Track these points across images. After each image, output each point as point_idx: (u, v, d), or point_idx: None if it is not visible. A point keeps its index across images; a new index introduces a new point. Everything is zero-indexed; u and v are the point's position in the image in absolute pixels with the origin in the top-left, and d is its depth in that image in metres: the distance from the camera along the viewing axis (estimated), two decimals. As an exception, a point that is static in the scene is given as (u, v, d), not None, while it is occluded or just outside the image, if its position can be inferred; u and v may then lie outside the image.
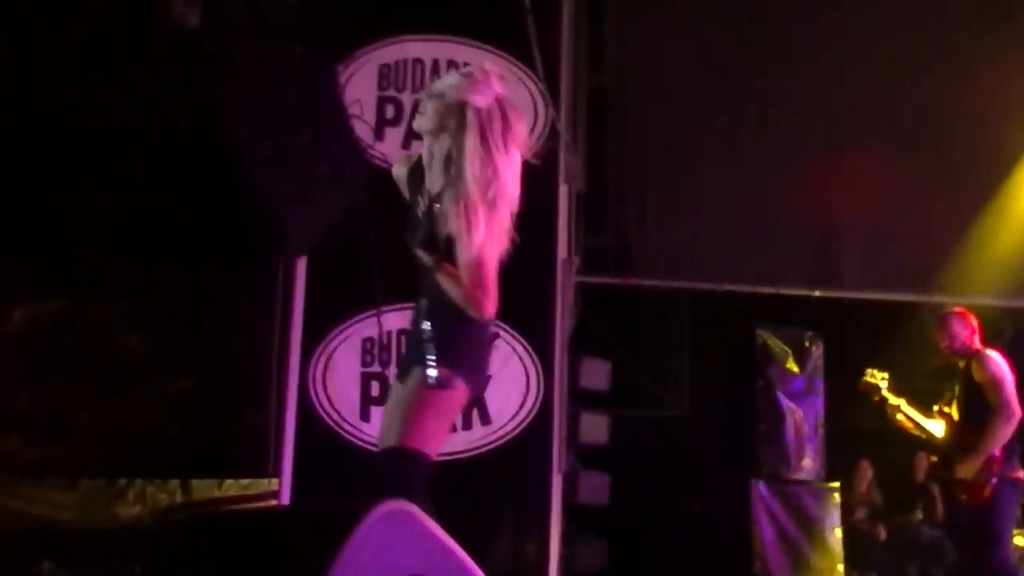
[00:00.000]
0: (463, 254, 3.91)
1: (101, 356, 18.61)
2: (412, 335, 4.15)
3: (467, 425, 7.64)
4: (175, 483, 16.73)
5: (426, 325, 4.03)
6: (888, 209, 9.17)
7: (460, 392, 3.93)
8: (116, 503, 16.58)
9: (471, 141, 3.88)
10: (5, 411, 18.23)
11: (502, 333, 7.80)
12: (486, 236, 3.93)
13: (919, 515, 10.30)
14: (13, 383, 18.27)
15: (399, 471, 3.86)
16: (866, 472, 10.35)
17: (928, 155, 9.15)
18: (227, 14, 7.37)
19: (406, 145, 7.99)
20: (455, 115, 3.91)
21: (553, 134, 8.22)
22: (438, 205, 3.97)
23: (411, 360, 4.02)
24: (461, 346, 3.97)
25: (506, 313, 7.87)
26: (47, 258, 18.50)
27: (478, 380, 4.06)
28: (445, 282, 3.97)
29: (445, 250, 3.98)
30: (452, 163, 3.93)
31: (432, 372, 3.87)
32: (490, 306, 3.90)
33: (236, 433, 17.54)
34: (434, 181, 4.02)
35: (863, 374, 8.11)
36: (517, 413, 7.74)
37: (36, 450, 18.31)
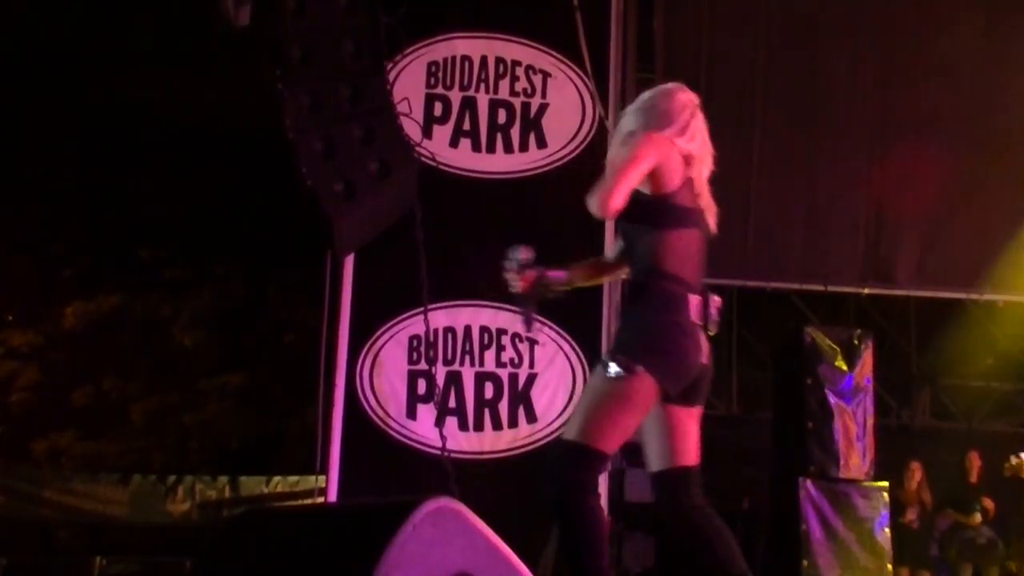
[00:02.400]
0: (615, 157, 3.86)
1: (153, 354, 18.88)
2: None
3: (513, 423, 7.65)
4: (224, 480, 17.00)
5: (619, 318, 4.02)
6: (939, 206, 9.09)
7: (644, 381, 3.72)
8: (166, 499, 16.84)
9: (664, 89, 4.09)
10: (59, 408, 18.53)
11: (548, 330, 7.81)
12: (639, 149, 3.83)
13: (977, 517, 10.19)
14: (67, 381, 18.58)
15: (563, 467, 3.76)
16: (916, 472, 10.26)
17: (981, 151, 9.06)
18: (278, 13, 7.42)
19: (454, 143, 8.01)
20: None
21: (601, 131, 8.20)
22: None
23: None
24: (644, 335, 3.80)
25: (552, 312, 7.92)
26: (100, 257, 18.76)
27: (671, 370, 3.79)
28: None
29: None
30: (644, 116, 4.04)
31: (611, 364, 3.74)
32: (607, 200, 3.69)
33: (285, 430, 17.73)
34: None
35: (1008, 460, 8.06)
36: (564, 411, 7.73)
37: (89, 446, 18.60)
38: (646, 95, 4.15)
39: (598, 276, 4.25)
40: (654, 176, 3.86)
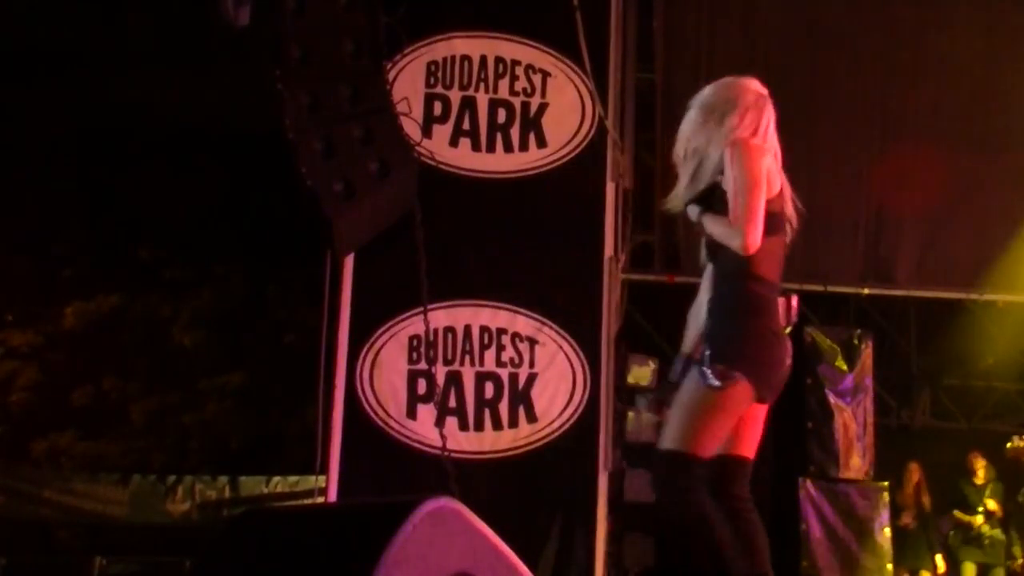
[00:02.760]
0: (729, 186, 3.90)
1: (153, 354, 18.87)
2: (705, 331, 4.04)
3: (513, 423, 7.65)
4: (224, 480, 17.00)
5: (707, 323, 3.97)
6: (939, 206, 9.09)
7: (742, 388, 3.78)
8: (166, 499, 16.84)
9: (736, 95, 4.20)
10: (59, 408, 18.52)
11: (548, 330, 7.81)
12: (751, 167, 3.90)
13: (980, 518, 10.20)
14: (66, 381, 18.57)
15: (675, 475, 3.81)
16: (914, 474, 10.27)
17: (981, 151, 9.05)
18: (277, 13, 7.42)
19: (454, 143, 8.01)
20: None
21: (601, 131, 8.21)
22: (704, 158, 4.05)
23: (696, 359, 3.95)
24: (740, 340, 3.84)
25: (552, 311, 7.92)
26: (100, 257, 18.76)
27: (766, 375, 3.86)
28: (709, 224, 3.95)
29: (709, 201, 3.99)
30: (715, 113, 4.12)
31: (708, 372, 3.77)
32: (753, 234, 3.79)
33: (285, 430, 17.72)
34: (698, 138, 4.10)
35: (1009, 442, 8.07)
36: (564, 411, 7.74)
37: (89, 446, 18.59)
38: (726, 91, 4.27)
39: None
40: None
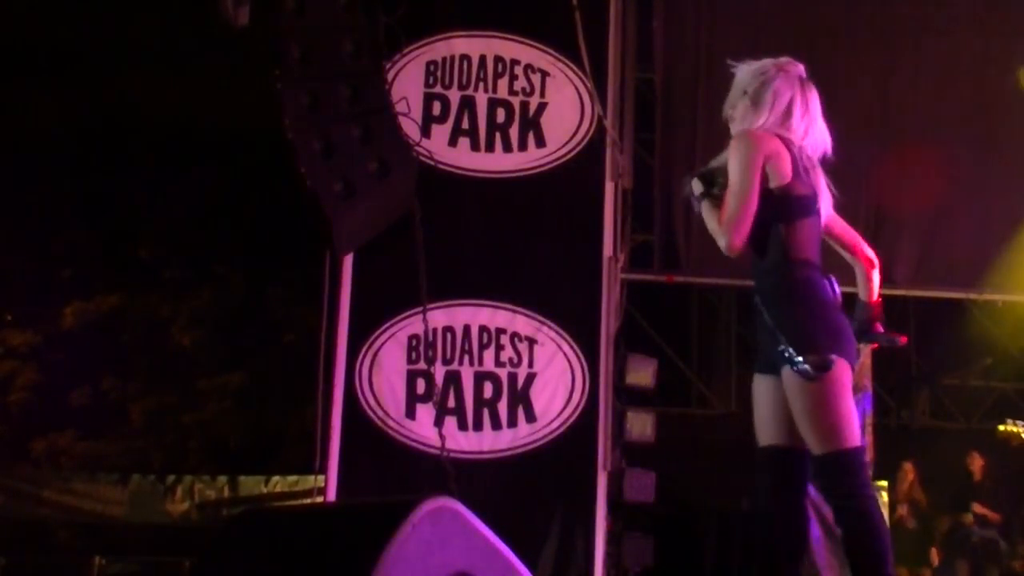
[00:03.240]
0: (730, 180, 3.93)
1: (152, 354, 18.85)
2: (759, 328, 4.03)
3: (512, 423, 7.65)
4: (223, 479, 17.00)
5: (767, 317, 3.94)
6: (938, 206, 9.08)
7: (840, 366, 3.79)
8: (166, 499, 16.83)
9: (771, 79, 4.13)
10: (58, 408, 18.49)
11: (548, 330, 7.81)
12: (746, 165, 3.90)
13: (970, 517, 10.21)
14: (66, 380, 18.55)
15: (843, 477, 3.82)
16: (908, 474, 10.27)
17: (979, 151, 9.05)
18: (277, 13, 7.42)
19: (453, 142, 8.01)
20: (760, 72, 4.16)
21: (600, 131, 8.21)
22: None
23: (772, 356, 3.92)
24: (813, 325, 3.85)
25: (552, 310, 7.92)
26: (99, 257, 18.73)
27: (852, 348, 3.89)
28: (706, 215, 3.99)
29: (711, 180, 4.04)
30: (746, 93, 4.11)
31: (803, 366, 3.76)
32: (737, 238, 3.82)
33: (285, 430, 17.71)
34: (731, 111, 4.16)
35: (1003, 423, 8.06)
36: (563, 411, 7.74)
37: (88, 446, 18.57)
38: (754, 71, 4.17)
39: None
40: (766, 172, 3.93)
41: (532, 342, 7.78)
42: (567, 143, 8.15)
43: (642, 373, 8.31)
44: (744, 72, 4.16)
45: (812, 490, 8.29)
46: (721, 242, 3.87)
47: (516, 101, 8.12)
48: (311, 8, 7.39)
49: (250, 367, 18.38)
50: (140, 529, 16.52)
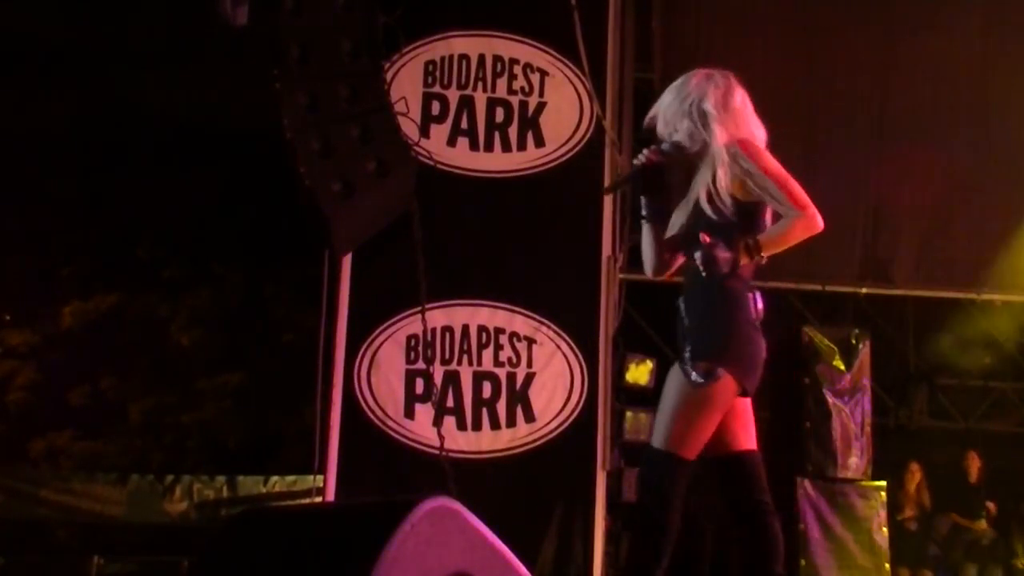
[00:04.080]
0: (762, 177, 3.87)
1: (151, 354, 18.85)
2: (680, 334, 4.01)
3: (511, 423, 7.65)
4: (222, 479, 16.99)
5: (685, 321, 3.94)
6: (937, 205, 9.09)
7: (725, 383, 3.79)
8: (164, 499, 16.83)
9: (700, 89, 4.05)
10: (57, 408, 18.49)
11: (546, 330, 7.81)
12: (768, 159, 3.92)
13: (983, 523, 10.20)
14: (64, 380, 18.55)
15: (655, 474, 3.83)
16: (916, 474, 10.26)
17: (978, 151, 9.05)
18: (276, 13, 7.42)
19: (452, 142, 8.01)
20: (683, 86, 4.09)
21: (599, 130, 8.21)
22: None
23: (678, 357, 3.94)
24: (721, 336, 3.85)
25: (550, 310, 7.92)
26: (98, 256, 18.73)
27: (749, 368, 3.88)
28: (773, 243, 3.86)
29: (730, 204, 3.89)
30: (692, 113, 4.00)
31: (691, 370, 3.78)
32: (814, 218, 3.81)
33: (283, 430, 17.71)
34: (673, 132, 4.05)
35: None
36: (562, 411, 7.74)
37: (87, 446, 18.57)
38: (697, 89, 4.08)
39: (660, 244, 4.10)
40: (747, 185, 3.91)
41: (531, 342, 7.78)
42: (566, 143, 8.15)
43: (640, 373, 8.32)
44: (683, 88, 4.10)
45: (811, 490, 8.31)
46: (809, 225, 3.82)
47: (515, 101, 8.12)
48: (310, 8, 7.39)
49: (249, 367, 18.39)
50: (139, 529, 16.51)
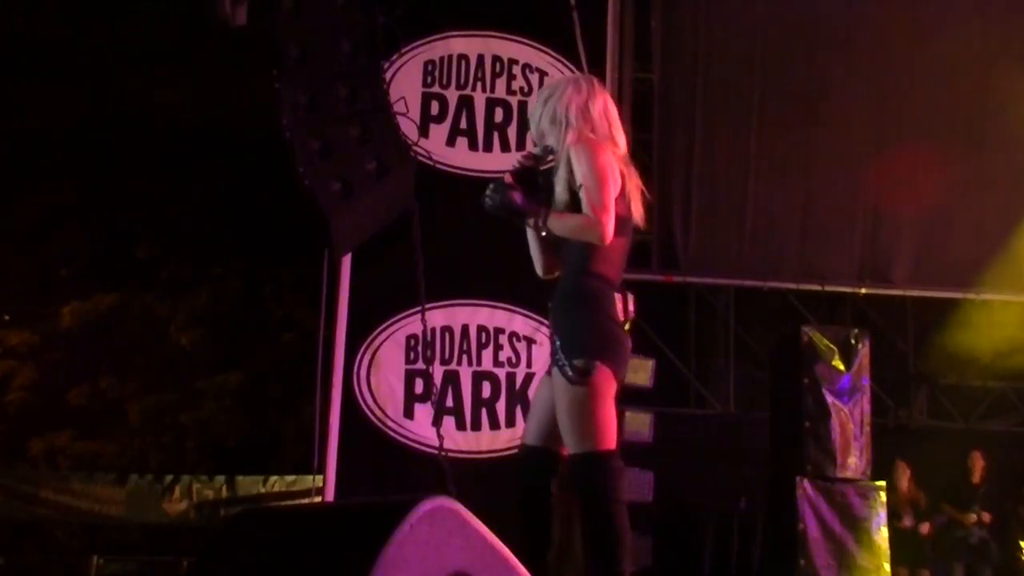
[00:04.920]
0: (579, 175, 3.94)
1: (150, 353, 18.85)
2: (550, 332, 4.10)
3: (511, 423, 7.65)
4: (221, 479, 17.01)
5: (553, 321, 4.03)
6: (936, 205, 9.10)
7: (605, 374, 3.87)
8: (163, 499, 16.84)
9: (566, 96, 4.09)
10: (56, 408, 18.49)
11: (546, 330, 7.80)
12: (598, 162, 3.94)
13: (973, 516, 10.20)
14: (63, 380, 18.55)
15: (593, 478, 3.87)
16: (904, 473, 10.26)
17: (977, 151, 9.07)
18: (275, 13, 7.42)
19: (451, 142, 8.00)
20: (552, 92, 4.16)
21: (598, 131, 8.20)
22: (551, 156, 4.09)
23: (552, 359, 3.99)
24: (588, 331, 3.93)
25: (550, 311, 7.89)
26: (97, 256, 18.73)
27: (621, 360, 3.97)
28: (556, 224, 3.97)
29: (564, 203, 4.01)
30: (553, 115, 4.09)
31: (570, 371, 3.85)
32: (609, 224, 3.86)
33: (283, 430, 17.71)
34: (544, 136, 4.14)
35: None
36: (561, 410, 7.74)
37: (86, 446, 18.57)
38: (562, 98, 4.12)
39: (545, 243, 4.18)
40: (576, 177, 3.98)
41: (531, 342, 7.78)
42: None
43: (640, 373, 8.32)
44: (547, 100, 4.15)
45: (810, 490, 8.31)
46: (593, 233, 3.88)
47: (514, 100, 8.11)
48: (309, 8, 7.39)
49: (248, 367, 18.39)
50: (138, 529, 16.53)
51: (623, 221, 3.99)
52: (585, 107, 4.07)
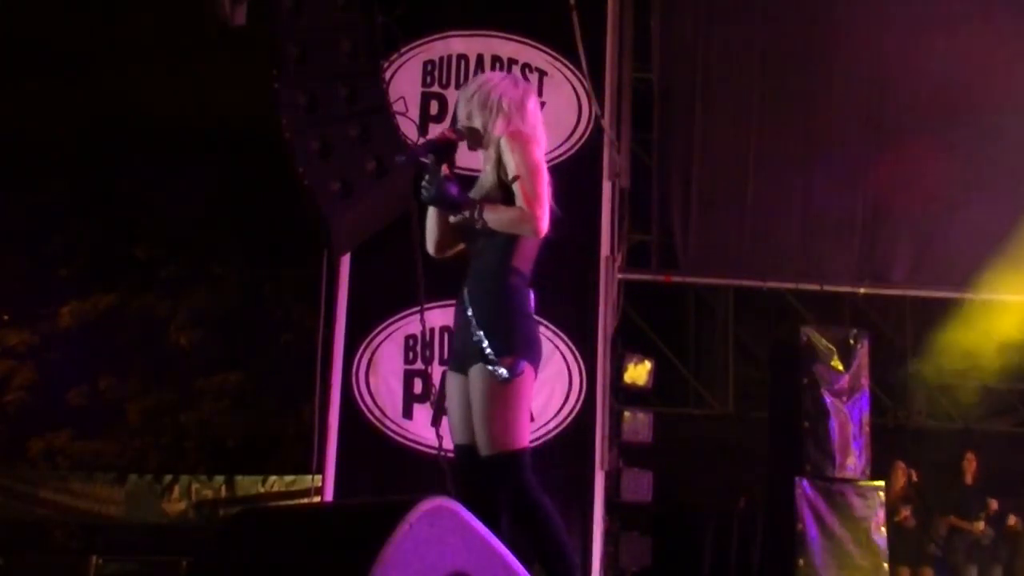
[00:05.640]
0: (513, 167, 3.98)
1: (149, 353, 18.83)
2: (460, 326, 4.10)
3: (510, 422, 7.64)
4: (220, 479, 17.00)
5: (470, 313, 4.02)
6: (935, 205, 9.10)
7: (528, 374, 3.90)
8: (163, 499, 16.83)
9: (501, 86, 4.14)
10: (55, 407, 18.47)
11: (545, 330, 7.80)
12: (535, 152, 3.99)
13: (981, 524, 10.19)
14: (63, 380, 18.53)
15: (511, 476, 3.88)
16: (901, 472, 10.24)
17: (977, 151, 9.06)
18: (275, 13, 7.42)
19: (450, 142, 8.00)
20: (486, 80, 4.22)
21: (597, 130, 8.20)
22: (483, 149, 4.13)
23: (466, 354, 3.97)
24: (516, 331, 3.95)
25: (548, 310, 7.91)
26: (96, 256, 18.72)
27: (537, 357, 3.98)
28: (492, 217, 4.00)
29: (491, 192, 4.06)
30: (486, 99, 4.12)
31: (498, 368, 3.84)
32: (544, 217, 3.92)
33: (282, 430, 17.70)
34: (471, 117, 4.18)
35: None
36: (560, 411, 7.74)
37: (85, 446, 18.56)
38: (498, 87, 4.16)
39: (445, 225, 4.24)
40: (507, 170, 4.02)
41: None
42: (564, 143, 8.14)
43: (639, 373, 8.32)
44: (481, 85, 4.19)
45: (809, 490, 8.31)
46: (528, 226, 3.93)
47: (513, 101, 8.10)
48: (308, 8, 7.39)
49: (247, 367, 18.37)
50: (137, 529, 16.51)
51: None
52: (520, 102, 4.11)
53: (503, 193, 4.00)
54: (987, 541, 10.22)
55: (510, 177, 3.97)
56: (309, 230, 7.77)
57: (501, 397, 3.85)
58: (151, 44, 16.50)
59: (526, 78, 8.17)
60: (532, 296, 4.06)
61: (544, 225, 3.92)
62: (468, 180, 4.17)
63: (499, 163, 4.03)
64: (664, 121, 9.17)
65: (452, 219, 4.13)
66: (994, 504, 10.26)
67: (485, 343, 3.90)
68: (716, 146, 9.20)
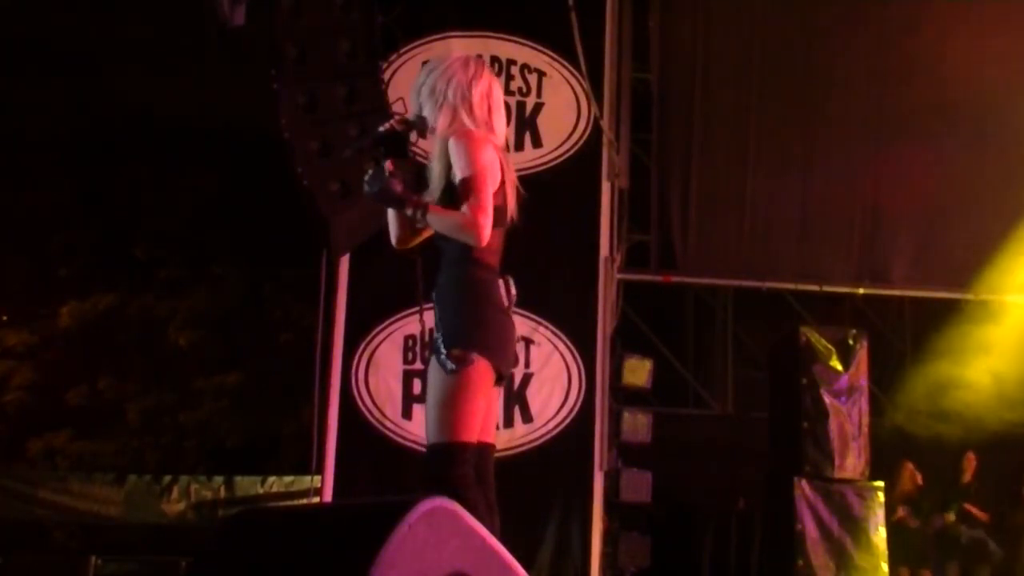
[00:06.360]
0: (458, 171, 3.89)
1: (148, 354, 18.82)
2: (436, 323, 4.07)
3: (509, 423, 7.65)
4: (219, 480, 17.00)
5: (436, 310, 4.00)
6: (935, 205, 9.10)
7: (482, 367, 3.84)
8: (162, 499, 16.82)
9: (450, 71, 4.05)
10: (54, 408, 18.46)
11: (544, 330, 7.80)
12: (478, 159, 3.88)
13: (952, 516, 10.19)
14: (62, 380, 18.53)
15: (443, 468, 3.83)
16: (908, 473, 10.24)
17: (976, 151, 9.06)
18: (274, 13, 7.42)
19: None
20: (437, 66, 4.11)
21: (596, 131, 8.21)
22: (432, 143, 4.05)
23: (432, 346, 3.96)
24: (470, 323, 3.90)
25: (548, 311, 7.92)
26: (95, 256, 18.71)
27: (502, 351, 3.92)
28: (434, 220, 3.94)
29: (440, 193, 3.97)
30: (433, 88, 4.04)
31: (445, 359, 3.81)
32: (487, 227, 3.83)
33: (281, 430, 17.69)
34: (421, 107, 4.11)
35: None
36: (559, 411, 7.74)
37: (84, 446, 18.55)
38: (442, 70, 4.08)
39: (403, 218, 4.16)
40: (453, 172, 3.94)
41: (529, 342, 7.78)
42: (563, 143, 8.15)
43: (638, 373, 8.33)
44: (431, 72, 4.11)
45: (809, 490, 8.31)
46: (470, 235, 3.86)
47: (513, 101, 8.12)
48: (308, 8, 7.39)
49: (246, 367, 18.37)
50: (136, 529, 16.51)
51: (499, 211, 3.95)
52: (468, 87, 4.01)
53: (449, 191, 3.93)
54: (966, 540, 10.21)
55: (456, 180, 3.90)
56: (309, 230, 7.77)
57: (447, 388, 3.81)
58: (152, 44, 16.50)
59: (525, 78, 8.19)
60: (503, 288, 4.00)
61: (486, 234, 3.83)
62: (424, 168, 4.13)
63: (446, 160, 3.95)
64: (663, 121, 9.18)
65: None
66: (979, 512, 10.25)
67: (439, 336, 3.89)
68: (715, 146, 9.21)
